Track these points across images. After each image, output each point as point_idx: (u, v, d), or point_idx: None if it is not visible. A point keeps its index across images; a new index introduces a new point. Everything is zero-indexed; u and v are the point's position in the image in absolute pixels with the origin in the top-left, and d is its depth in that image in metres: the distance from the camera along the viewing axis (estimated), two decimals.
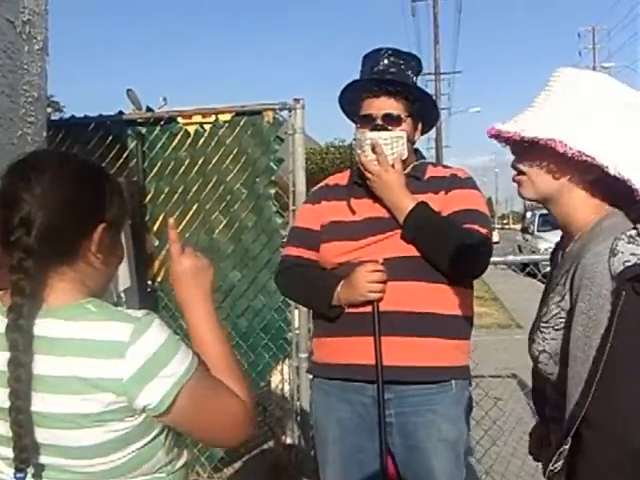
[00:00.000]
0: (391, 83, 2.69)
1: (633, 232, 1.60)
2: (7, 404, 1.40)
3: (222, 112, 4.87)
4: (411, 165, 2.77)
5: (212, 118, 4.88)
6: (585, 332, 1.58)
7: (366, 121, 2.72)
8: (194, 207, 4.89)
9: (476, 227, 2.59)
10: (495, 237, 54.45)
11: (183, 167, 4.90)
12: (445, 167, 2.89)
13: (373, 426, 2.60)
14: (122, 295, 4.42)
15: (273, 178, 4.80)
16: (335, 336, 2.68)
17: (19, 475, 1.41)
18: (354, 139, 2.78)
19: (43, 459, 1.45)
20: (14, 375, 1.39)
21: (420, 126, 2.83)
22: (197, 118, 4.92)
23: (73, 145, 4.83)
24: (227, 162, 4.81)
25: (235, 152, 4.80)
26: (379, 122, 2.69)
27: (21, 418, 1.40)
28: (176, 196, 4.91)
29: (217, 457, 4.92)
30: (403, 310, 2.57)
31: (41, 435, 1.43)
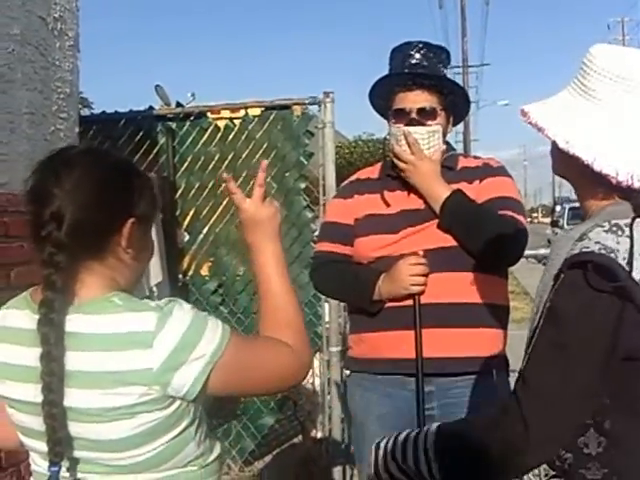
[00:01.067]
0: (425, 76, 2.68)
1: (624, 221, 1.49)
2: (40, 398, 1.41)
3: (252, 107, 4.88)
4: (443, 157, 2.75)
5: (242, 113, 4.89)
6: (534, 314, 1.57)
7: (400, 115, 2.69)
8: (224, 202, 4.88)
9: (511, 214, 2.58)
10: None
11: (213, 162, 4.91)
12: (476, 157, 2.89)
13: (414, 420, 2.56)
14: (154, 289, 4.45)
15: (303, 172, 4.80)
16: (375, 331, 2.66)
17: (53, 469, 1.42)
18: (388, 133, 2.77)
19: (76, 453, 1.46)
20: (47, 369, 1.40)
21: (452, 119, 2.81)
22: (226, 113, 4.93)
23: (104, 141, 4.86)
24: (257, 156, 4.80)
25: (265, 147, 4.80)
26: (414, 116, 2.67)
27: (55, 412, 1.41)
28: (206, 191, 4.93)
29: (248, 450, 4.94)
30: (443, 302, 2.56)
31: (73, 429, 1.44)
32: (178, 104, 5.07)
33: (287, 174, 4.79)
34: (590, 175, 1.54)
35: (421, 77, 2.67)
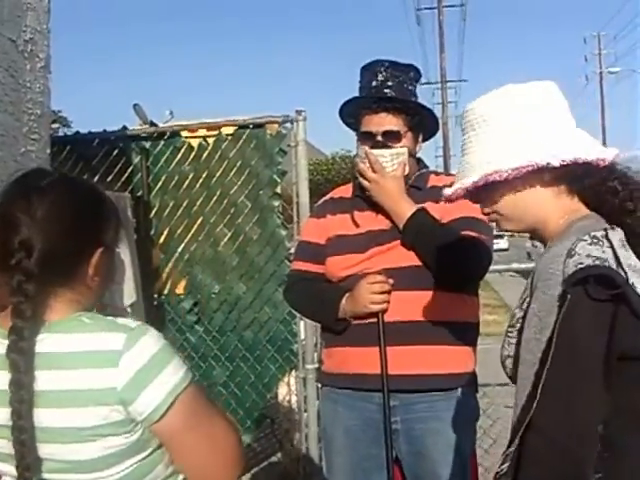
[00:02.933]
0: (389, 100, 2.71)
1: (600, 233, 1.56)
2: (10, 423, 1.41)
3: (225, 125, 4.90)
4: (413, 176, 2.78)
5: (215, 132, 4.91)
6: (535, 334, 1.56)
7: (366, 138, 2.74)
8: (199, 220, 4.91)
9: (474, 234, 2.61)
10: (504, 244, 54.31)
11: (187, 181, 4.92)
12: (447, 175, 2.91)
13: (379, 434, 2.62)
14: (128, 309, 4.43)
15: (277, 190, 4.82)
16: (342, 346, 2.72)
17: None
18: (355, 155, 2.82)
19: (46, 475, 1.46)
20: (16, 396, 1.40)
21: (421, 137, 2.85)
22: (200, 132, 4.95)
23: (78, 161, 4.86)
24: (231, 175, 4.83)
25: (239, 165, 4.82)
26: (379, 138, 2.71)
27: (24, 438, 1.41)
28: (181, 210, 4.93)
29: None
30: (407, 320, 2.60)
31: (44, 450, 1.44)
32: (152, 123, 5.07)
33: (261, 192, 4.80)
34: (555, 184, 1.67)
35: (385, 101, 2.71)
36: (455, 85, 52.73)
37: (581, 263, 1.50)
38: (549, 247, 1.67)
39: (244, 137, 4.81)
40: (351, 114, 2.83)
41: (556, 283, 1.53)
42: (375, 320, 2.60)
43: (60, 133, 7.26)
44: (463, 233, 2.60)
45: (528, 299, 1.66)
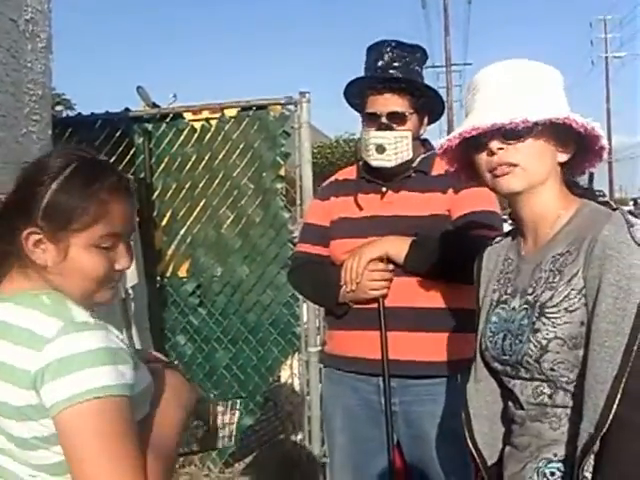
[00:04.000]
0: (395, 80, 2.68)
1: (619, 209, 1.63)
2: None
3: (228, 107, 4.88)
4: (418, 159, 2.75)
5: (218, 114, 4.89)
6: (616, 304, 1.54)
7: (371, 119, 2.71)
8: (201, 203, 4.90)
9: (486, 229, 2.53)
10: (508, 229, 54.28)
11: (190, 163, 4.91)
12: None
13: (378, 415, 2.64)
14: (130, 292, 4.43)
15: (280, 173, 4.80)
16: (343, 329, 2.72)
17: None
18: (359, 138, 2.80)
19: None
20: None
21: (426, 120, 2.81)
22: (203, 114, 4.93)
23: (80, 143, 4.84)
24: (234, 157, 4.81)
25: (242, 147, 4.80)
26: (384, 120, 2.67)
27: None
28: (183, 192, 4.93)
29: (228, 452, 4.93)
30: (408, 306, 2.60)
31: None
32: (155, 105, 5.05)
33: (264, 174, 4.79)
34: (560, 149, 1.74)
35: (391, 81, 2.67)
36: (460, 69, 52.43)
37: None
38: (586, 226, 1.68)
39: (247, 119, 4.79)
40: (356, 95, 2.80)
41: (630, 251, 1.55)
42: (374, 305, 2.59)
43: (63, 115, 7.21)
44: (472, 232, 2.55)
45: (580, 274, 1.64)
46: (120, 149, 4.83)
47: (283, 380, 5.17)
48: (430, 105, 2.78)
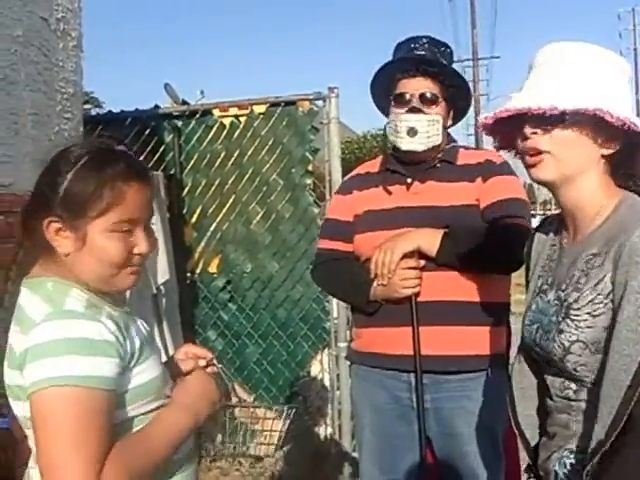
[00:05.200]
0: (429, 63, 2.65)
1: None
2: None
3: (257, 103, 4.89)
4: (442, 149, 2.72)
5: (247, 110, 4.90)
6: (638, 312, 1.52)
7: (401, 101, 2.66)
8: (231, 199, 4.92)
9: (515, 220, 2.54)
10: (537, 223, 53.94)
11: (219, 159, 4.93)
12: (477, 150, 2.85)
13: (407, 411, 2.61)
14: (161, 288, 4.46)
15: (309, 168, 4.81)
16: (372, 327, 2.68)
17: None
18: (388, 122, 2.73)
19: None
20: None
21: (452, 113, 2.77)
22: (232, 110, 4.94)
23: (110, 140, 4.86)
24: (263, 153, 4.83)
25: (271, 143, 4.82)
26: (415, 103, 2.63)
27: None
28: (213, 188, 4.95)
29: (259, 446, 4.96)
30: (439, 300, 2.56)
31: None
32: (184, 102, 5.08)
33: (293, 170, 4.80)
34: (608, 164, 1.69)
35: (424, 64, 2.65)
36: (487, 62, 52.12)
37: None
38: (619, 225, 1.63)
39: (276, 115, 4.80)
40: (384, 83, 2.74)
41: None
42: (405, 300, 2.56)
43: (93, 113, 7.26)
44: (503, 221, 2.53)
45: (607, 278, 1.61)
46: (150, 146, 4.86)
47: (313, 375, 5.17)
48: (457, 97, 2.75)
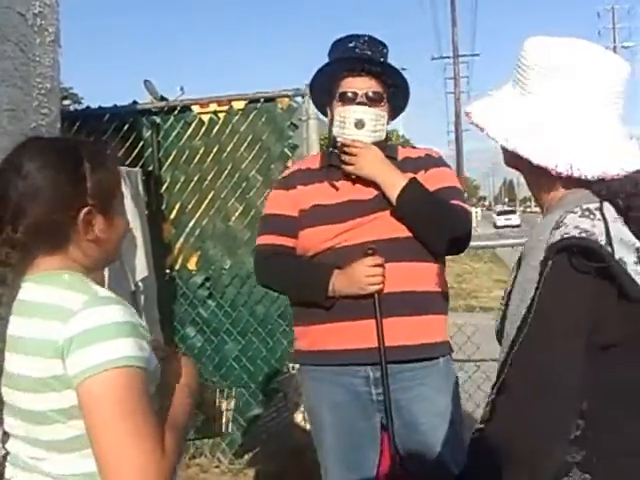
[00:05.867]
0: (373, 63, 2.68)
1: (594, 205, 1.51)
2: None
3: (236, 99, 4.89)
4: (384, 146, 2.74)
5: (226, 106, 4.90)
6: (517, 306, 1.53)
7: (347, 99, 2.67)
8: (210, 195, 4.92)
9: (460, 203, 2.66)
10: (517, 220, 54.28)
11: (198, 155, 4.93)
12: (414, 148, 2.93)
13: (366, 406, 2.62)
14: (140, 284, 4.45)
15: (288, 164, 4.79)
16: (324, 322, 2.64)
17: None
18: (333, 118, 2.72)
19: (7, 419, 1.51)
20: None
21: (391, 112, 2.81)
22: (211, 106, 4.94)
23: (88, 136, 4.85)
24: (242, 149, 4.83)
25: (249, 139, 4.82)
26: (361, 100, 2.65)
27: None
28: (192, 184, 4.94)
29: (237, 443, 4.96)
30: (394, 291, 2.57)
31: (6, 395, 1.51)
32: (162, 98, 5.07)
33: (272, 166, 4.80)
34: (538, 168, 1.57)
35: (369, 63, 2.67)
36: (468, 60, 52.35)
37: (567, 233, 1.46)
38: (542, 218, 1.63)
39: (255, 111, 4.81)
40: (324, 85, 2.75)
41: (538, 254, 1.50)
42: (361, 293, 2.56)
43: (71, 109, 7.23)
44: (452, 202, 2.63)
45: (516, 272, 1.63)
46: (128, 142, 4.84)
47: (292, 371, 5.19)
48: (397, 96, 2.79)
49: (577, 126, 1.56)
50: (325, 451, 2.73)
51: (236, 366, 4.93)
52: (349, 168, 2.66)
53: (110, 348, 1.40)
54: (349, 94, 2.67)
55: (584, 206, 1.51)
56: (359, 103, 2.65)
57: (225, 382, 4.91)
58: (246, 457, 5.06)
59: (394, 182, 2.60)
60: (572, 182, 1.56)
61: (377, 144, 2.67)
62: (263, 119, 4.81)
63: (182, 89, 5.29)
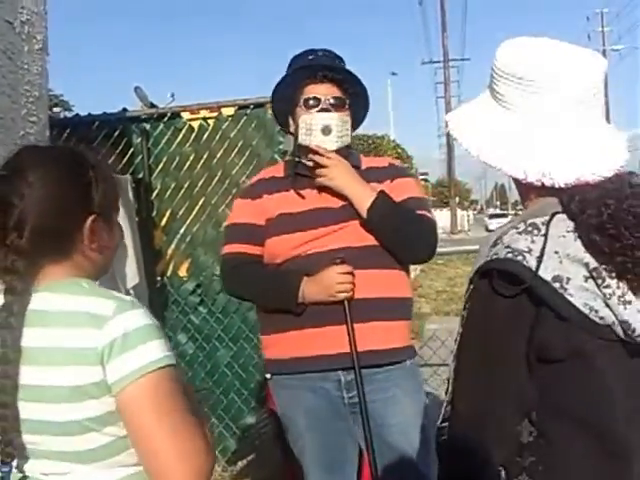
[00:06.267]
0: (335, 70, 2.70)
1: (542, 219, 1.48)
2: None
3: (225, 106, 4.89)
4: (347, 154, 2.76)
5: (216, 113, 4.90)
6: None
7: (311, 105, 2.69)
8: (200, 201, 4.91)
9: (426, 213, 2.70)
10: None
11: (188, 162, 4.92)
12: (377, 157, 2.98)
13: (340, 409, 2.64)
14: (131, 292, 4.43)
15: None
16: (295, 329, 2.64)
17: (4, 469, 1.44)
18: (298, 126, 2.72)
19: (25, 436, 1.47)
20: (1, 387, 1.43)
21: (353, 120, 2.82)
22: (201, 113, 4.94)
23: (78, 144, 4.84)
24: (232, 156, 4.83)
25: (240, 145, 4.82)
26: (325, 106, 2.68)
27: (7, 414, 1.43)
28: (182, 191, 4.94)
29: (231, 450, 4.94)
30: (364, 297, 2.60)
31: (24, 410, 1.45)
32: (152, 105, 5.06)
33: None
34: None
35: (330, 70, 2.69)
36: (458, 64, 52.52)
37: (495, 255, 1.47)
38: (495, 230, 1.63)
39: (245, 117, 4.81)
40: (286, 96, 2.75)
41: (473, 271, 1.52)
42: (331, 300, 2.58)
43: (61, 117, 7.23)
44: (418, 213, 2.66)
45: None
46: (118, 149, 4.83)
47: None
48: (358, 104, 2.81)
49: (549, 133, 1.53)
50: (305, 457, 2.73)
51: (228, 373, 4.92)
52: (319, 179, 2.67)
53: (148, 351, 1.43)
54: (313, 100, 2.69)
55: (530, 221, 1.49)
56: (323, 109, 2.67)
57: (217, 389, 4.91)
58: (239, 464, 5.04)
59: (363, 196, 2.62)
60: (547, 190, 1.54)
61: (341, 151, 2.69)
62: (253, 125, 4.81)
63: (173, 96, 5.31)
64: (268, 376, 2.82)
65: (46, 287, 1.50)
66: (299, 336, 2.63)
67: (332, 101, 2.68)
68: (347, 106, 2.72)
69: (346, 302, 2.57)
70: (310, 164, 2.69)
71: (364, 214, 2.61)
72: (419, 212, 2.66)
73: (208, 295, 4.98)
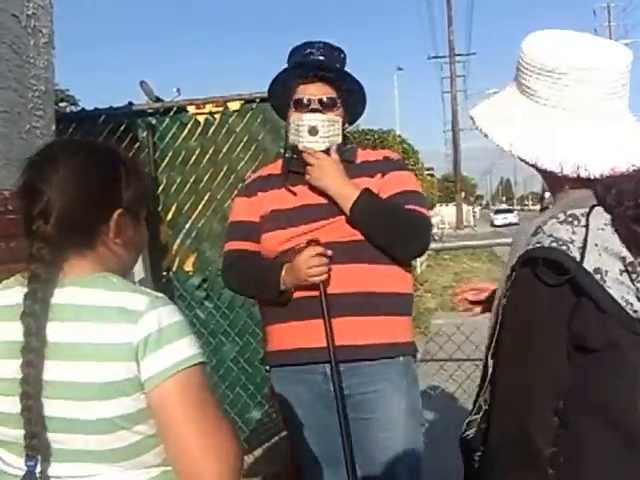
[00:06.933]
0: (327, 69, 2.73)
1: (581, 211, 1.49)
2: (19, 376, 1.41)
3: (231, 100, 4.88)
4: (342, 150, 2.79)
5: (222, 107, 4.89)
6: (495, 309, 1.59)
7: (301, 105, 2.73)
8: (206, 196, 4.91)
9: (418, 208, 2.68)
10: (514, 218, 54.46)
11: (194, 157, 4.92)
12: (374, 150, 2.97)
13: (326, 401, 2.65)
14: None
15: None
16: (284, 321, 2.70)
17: (30, 463, 1.41)
18: (288, 125, 2.79)
19: (49, 434, 1.44)
20: (26, 373, 1.40)
21: (348, 116, 2.86)
22: (207, 107, 4.92)
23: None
24: (238, 150, 4.82)
25: (245, 140, 4.82)
26: (315, 106, 2.71)
27: (30, 389, 1.40)
28: (188, 186, 4.93)
29: None
30: (348, 292, 2.62)
31: (51, 407, 1.42)
32: (158, 99, 5.05)
33: None
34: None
35: (323, 70, 2.72)
36: (464, 59, 52.45)
37: (539, 242, 1.47)
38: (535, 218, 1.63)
39: (251, 112, 4.80)
40: (280, 92, 2.80)
41: (514, 259, 1.52)
42: (315, 293, 2.61)
43: (67, 111, 7.23)
44: (407, 208, 2.65)
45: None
46: (124, 144, 4.81)
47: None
48: (353, 101, 2.83)
49: (582, 125, 1.54)
50: (301, 449, 2.77)
51: (234, 367, 4.92)
52: (307, 178, 2.72)
53: (182, 348, 1.44)
54: (303, 101, 2.73)
55: (570, 212, 1.50)
56: (312, 110, 2.71)
57: (223, 384, 4.91)
58: (246, 459, 5.04)
59: (346, 195, 2.64)
60: (580, 181, 1.54)
61: (334, 149, 2.72)
62: (259, 119, 4.80)
63: (178, 91, 5.30)
64: (267, 368, 2.88)
65: (73, 281, 1.49)
66: (285, 329, 2.69)
67: (324, 100, 2.72)
68: (339, 105, 2.75)
69: (322, 288, 2.59)
70: (309, 159, 2.72)
71: (348, 214, 2.64)
72: (408, 207, 2.66)
73: (214, 290, 4.97)
